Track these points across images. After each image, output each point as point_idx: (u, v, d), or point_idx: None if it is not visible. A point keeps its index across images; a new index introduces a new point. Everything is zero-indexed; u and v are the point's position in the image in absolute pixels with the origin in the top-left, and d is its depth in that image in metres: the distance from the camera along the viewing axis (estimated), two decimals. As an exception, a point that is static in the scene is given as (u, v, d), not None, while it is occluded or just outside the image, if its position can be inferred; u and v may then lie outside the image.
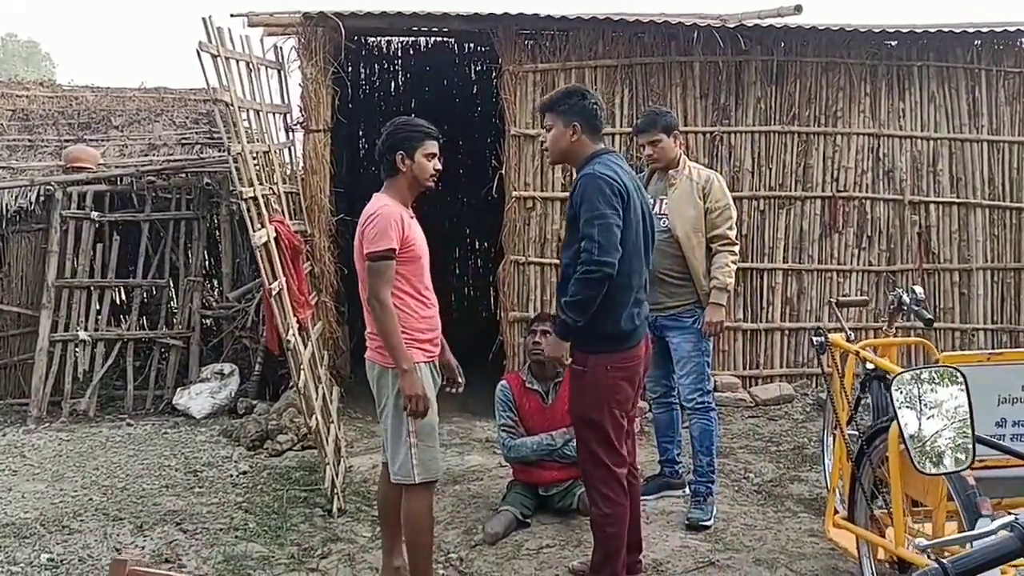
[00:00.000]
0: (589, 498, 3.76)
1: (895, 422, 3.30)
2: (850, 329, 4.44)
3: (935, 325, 7.03)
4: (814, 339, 4.05)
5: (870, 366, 4.28)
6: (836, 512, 3.99)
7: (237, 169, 5.05)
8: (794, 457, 5.87)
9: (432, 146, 3.74)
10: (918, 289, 4.20)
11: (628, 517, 3.72)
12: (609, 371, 3.59)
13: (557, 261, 6.82)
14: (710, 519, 4.64)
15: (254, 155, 5.47)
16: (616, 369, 3.60)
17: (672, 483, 5.08)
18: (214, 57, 4.98)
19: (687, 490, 4.95)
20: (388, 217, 3.57)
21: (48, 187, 7.36)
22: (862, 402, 4.34)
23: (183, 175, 7.67)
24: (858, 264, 7.22)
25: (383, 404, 3.71)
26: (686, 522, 4.64)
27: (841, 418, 3.99)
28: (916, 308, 4.15)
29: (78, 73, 47.02)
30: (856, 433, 4.11)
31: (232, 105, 5.08)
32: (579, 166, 3.67)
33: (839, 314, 4.42)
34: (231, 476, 5.58)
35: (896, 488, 3.29)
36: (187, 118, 9.01)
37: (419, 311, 3.68)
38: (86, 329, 7.36)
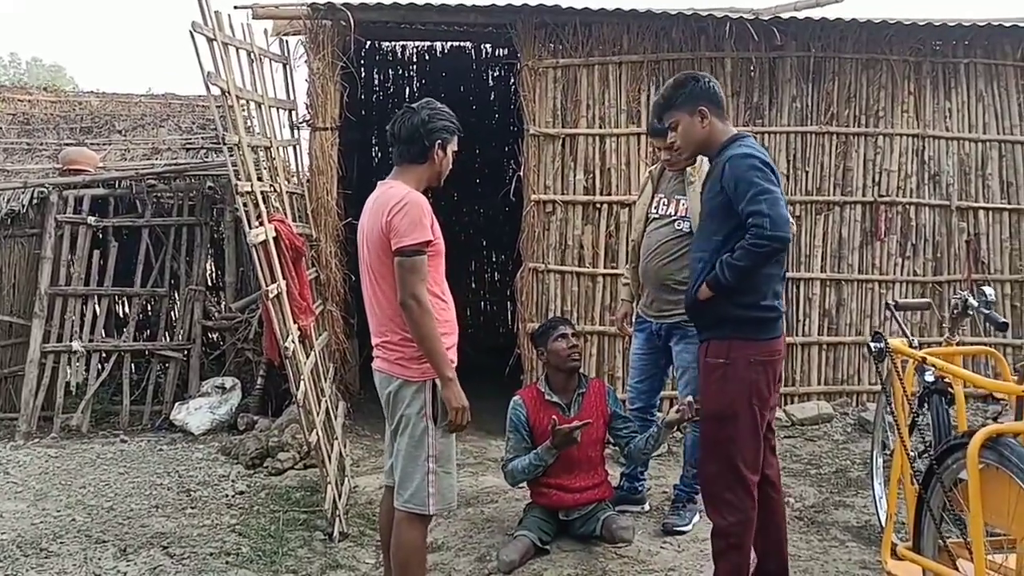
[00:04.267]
0: (710, 507, 3.45)
1: (974, 438, 2.89)
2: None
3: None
4: (872, 345, 3.60)
5: (929, 379, 3.84)
6: (896, 542, 3.55)
7: (232, 158, 4.67)
8: (837, 481, 5.44)
9: (455, 143, 3.43)
10: (988, 290, 3.74)
11: (753, 531, 3.41)
12: (752, 363, 3.31)
13: (578, 269, 6.46)
14: (687, 525, 4.57)
15: (253, 149, 5.11)
16: (759, 362, 3.32)
17: (630, 498, 4.89)
18: (210, 41, 4.62)
19: (646, 506, 4.90)
20: (420, 205, 3.19)
21: (42, 190, 7.03)
22: (919, 419, 3.88)
23: (185, 179, 7.33)
24: (902, 274, 6.77)
25: (399, 422, 3.30)
26: (662, 527, 4.57)
27: (904, 434, 3.54)
28: (987, 312, 3.69)
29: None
30: (913, 453, 3.68)
31: (229, 92, 4.70)
32: (718, 152, 3.39)
33: (898, 318, 3.96)
34: (226, 496, 5.26)
35: (976, 514, 2.85)
36: (193, 123, 8.72)
37: (440, 313, 3.27)
38: (80, 340, 7.01)
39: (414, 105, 3.36)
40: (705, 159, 4.43)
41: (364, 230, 3.35)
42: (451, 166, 3.45)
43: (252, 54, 5.43)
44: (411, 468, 3.26)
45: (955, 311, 3.94)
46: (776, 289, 3.38)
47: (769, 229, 3.14)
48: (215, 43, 4.64)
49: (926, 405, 3.91)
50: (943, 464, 3.16)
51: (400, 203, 3.16)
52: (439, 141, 3.33)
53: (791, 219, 3.21)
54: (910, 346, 3.61)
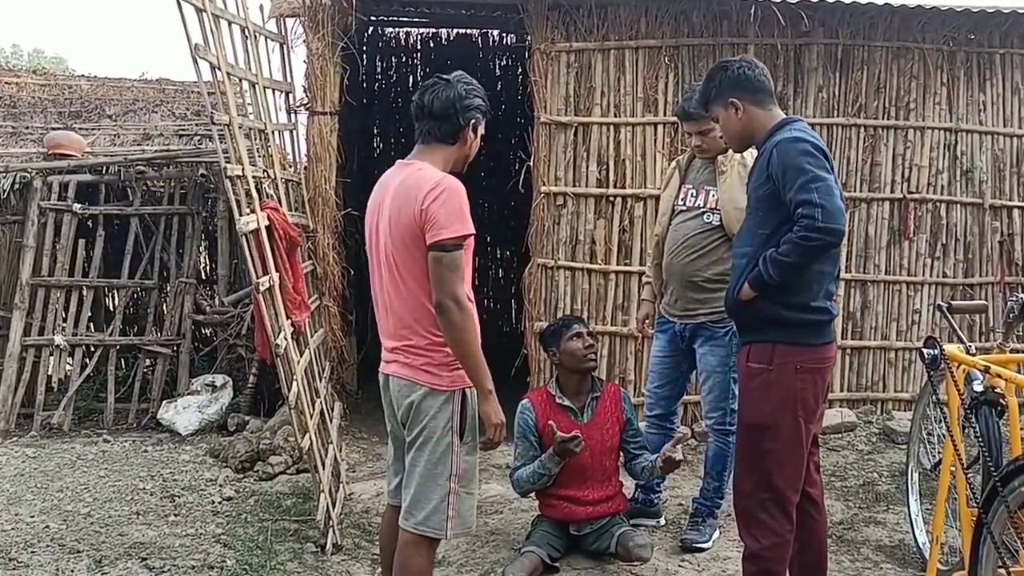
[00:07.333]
0: (742, 527, 3.18)
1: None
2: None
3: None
4: (925, 352, 3.28)
5: (978, 389, 3.52)
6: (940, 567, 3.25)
7: (222, 139, 4.33)
8: (865, 495, 5.13)
9: (483, 127, 3.10)
10: (1050, 291, 3.41)
11: (789, 556, 3.15)
12: (799, 371, 3.07)
13: (590, 265, 6.14)
14: (707, 541, 4.30)
15: (247, 132, 4.77)
16: (806, 370, 3.07)
17: (645, 511, 4.63)
18: (199, 11, 4.27)
19: (661, 520, 4.66)
20: (459, 193, 2.84)
21: (25, 174, 6.70)
22: (965, 432, 3.56)
23: (177, 166, 7.00)
24: (931, 275, 6.42)
25: (418, 435, 2.94)
26: (680, 543, 4.31)
27: (960, 449, 3.21)
28: (1049, 315, 3.36)
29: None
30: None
31: (219, 68, 4.36)
32: (765, 139, 3.13)
33: (952, 321, 3.62)
34: (213, 503, 4.96)
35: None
36: (188, 110, 8.39)
37: None
38: (64, 333, 6.70)
39: (447, 77, 3.04)
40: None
41: (384, 217, 2.97)
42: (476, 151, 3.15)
43: (246, 30, 5.09)
44: (428, 487, 2.92)
45: (1011, 315, 3.63)
46: (829, 289, 3.11)
47: (821, 220, 2.88)
48: (205, 14, 4.29)
49: (972, 417, 3.61)
50: (1009, 485, 2.85)
51: (437, 189, 2.81)
52: (472, 121, 3.01)
53: (844, 214, 2.92)
54: (968, 353, 3.28)
